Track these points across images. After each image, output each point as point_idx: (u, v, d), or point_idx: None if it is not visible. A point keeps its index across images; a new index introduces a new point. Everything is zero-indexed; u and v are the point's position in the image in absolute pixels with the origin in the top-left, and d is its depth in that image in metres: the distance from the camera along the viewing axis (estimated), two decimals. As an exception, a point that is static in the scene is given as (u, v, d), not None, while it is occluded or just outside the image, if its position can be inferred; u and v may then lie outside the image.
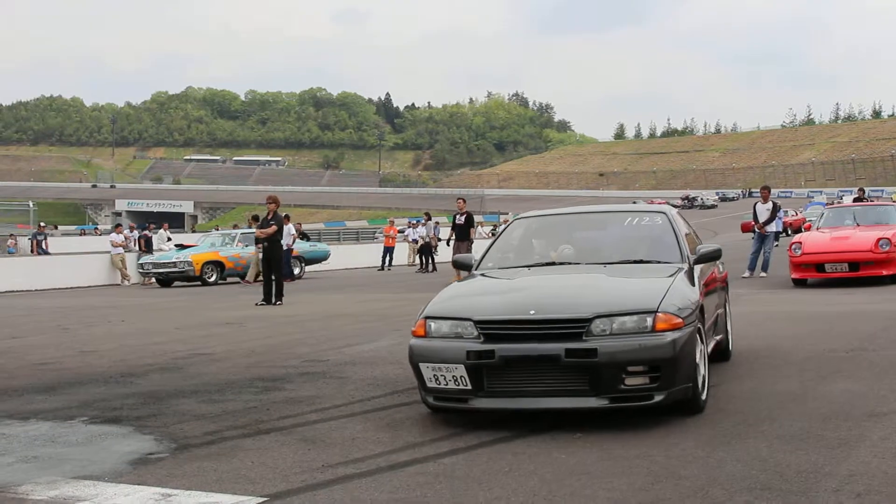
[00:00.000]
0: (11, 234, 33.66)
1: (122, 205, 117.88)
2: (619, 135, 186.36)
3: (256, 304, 14.90)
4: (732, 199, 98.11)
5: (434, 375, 5.39)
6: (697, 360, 5.59)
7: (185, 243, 27.84)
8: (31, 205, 42.12)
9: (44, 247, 30.78)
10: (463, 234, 21.15)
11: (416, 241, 32.07)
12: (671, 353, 5.23)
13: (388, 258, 31.15)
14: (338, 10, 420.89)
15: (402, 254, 33.27)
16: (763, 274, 17.13)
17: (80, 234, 54.10)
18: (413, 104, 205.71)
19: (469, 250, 20.09)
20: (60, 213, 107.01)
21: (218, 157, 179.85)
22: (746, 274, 17.16)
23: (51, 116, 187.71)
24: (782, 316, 11.25)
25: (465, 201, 22.91)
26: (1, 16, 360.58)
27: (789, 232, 32.32)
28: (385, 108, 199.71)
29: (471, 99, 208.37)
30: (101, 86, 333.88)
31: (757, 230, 17.81)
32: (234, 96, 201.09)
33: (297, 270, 23.46)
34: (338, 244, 37.70)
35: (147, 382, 7.44)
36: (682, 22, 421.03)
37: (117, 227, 29.13)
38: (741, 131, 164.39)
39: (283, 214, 16.38)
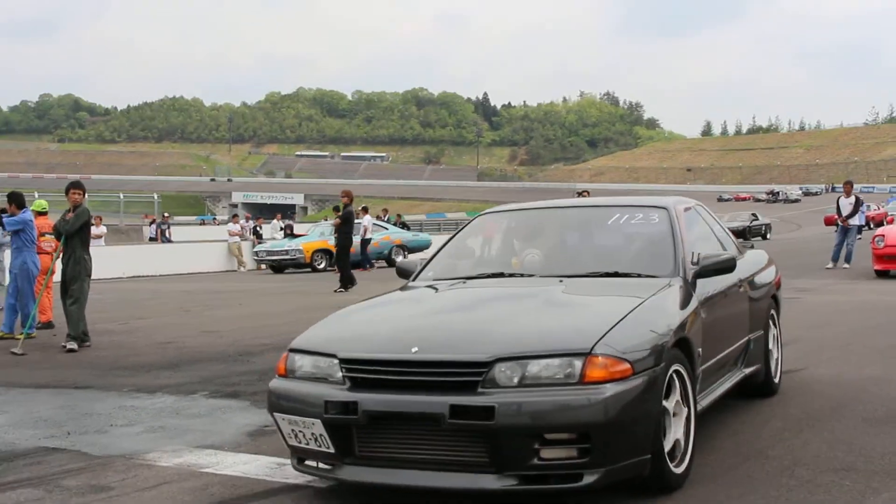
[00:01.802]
0: (154, 220, 34.43)
1: (238, 197, 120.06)
2: (706, 132, 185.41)
3: (335, 291, 14.96)
4: (815, 194, 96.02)
5: (293, 431, 3.98)
6: (669, 418, 4.05)
7: (296, 232, 28.64)
8: (156, 197, 43.08)
9: (167, 235, 31.50)
10: None
11: None
12: (606, 414, 3.63)
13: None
14: (439, 13, 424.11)
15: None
16: (846, 265, 16.98)
17: (200, 224, 55.84)
18: (509, 103, 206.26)
19: None
20: (182, 204, 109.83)
21: (327, 153, 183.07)
22: (830, 265, 17.19)
23: (173, 116, 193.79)
24: (866, 305, 11.17)
25: (588, 193, 21.78)
26: (127, 22, 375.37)
27: (871, 226, 31.42)
28: (483, 106, 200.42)
29: (564, 98, 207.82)
30: (218, 87, 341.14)
31: (840, 223, 17.65)
32: (341, 96, 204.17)
33: (399, 258, 23.18)
34: (438, 234, 38.16)
35: (262, 361, 7.59)
36: (768, 21, 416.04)
37: (234, 218, 30.19)
38: (824, 129, 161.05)
39: (362, 206, 16.59)
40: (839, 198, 18.09)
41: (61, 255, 10.36)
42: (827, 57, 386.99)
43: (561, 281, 4.77)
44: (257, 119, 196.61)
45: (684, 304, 4.49)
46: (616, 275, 4.82)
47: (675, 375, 4.09)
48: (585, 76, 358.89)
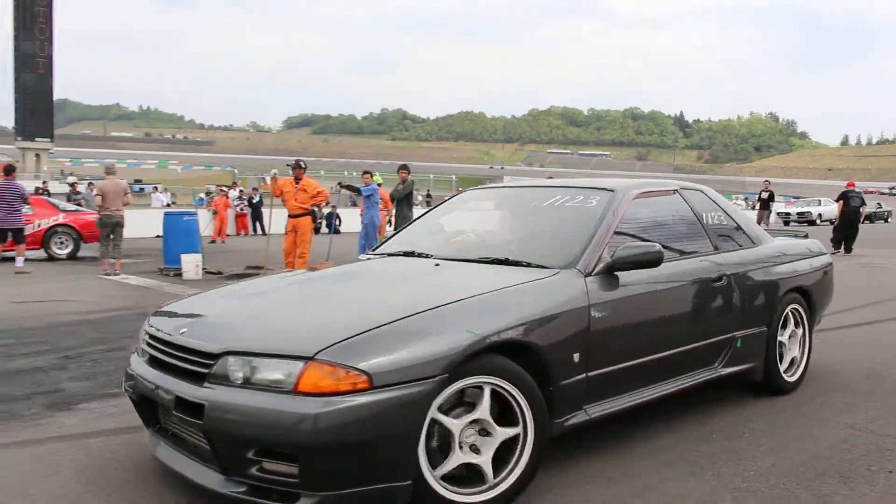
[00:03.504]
0: (452, 193, 52.33)
1: (507, 180, 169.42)
2: (844, 142, 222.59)
3: None
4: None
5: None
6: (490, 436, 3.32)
7: None
8: (454, 178, 51.74)
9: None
10: (765, 205, 23.85)
11: None
12: (313, 433, 2.86)
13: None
14: (651, 54, 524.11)
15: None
16: None
17: None
18: (699, 118, 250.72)
19: (766, 220, 22.72)
20: (469, 184, 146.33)
21: (568, 151, 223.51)
22: None
23: (466, 123, 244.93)
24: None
25: (769, 182, 23.65)
26: (439, 59, 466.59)
27: None
28: (679, 120, 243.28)
29: (738, 115, 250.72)
30: (496, 102, 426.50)
31: None
32: (580, 111, 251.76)
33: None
34: None
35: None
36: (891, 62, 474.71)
37: None
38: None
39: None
40: None
41: (393, 213, 13.94)
42: None
43: (437, 265, 4.23)
44: (522, 126, 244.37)
45: (551, 301, 3.67)
46: (505, 262, 4.13)
47: (496, 389, 3.34)
48: (755, 98, 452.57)
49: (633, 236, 4.41)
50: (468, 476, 3.33)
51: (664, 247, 4.27)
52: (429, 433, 3.20)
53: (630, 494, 3.70)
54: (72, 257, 17.38)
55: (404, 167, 14.60)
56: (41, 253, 17.00)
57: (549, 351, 3.58)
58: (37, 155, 41.85)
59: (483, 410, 3.33)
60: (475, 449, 3.35)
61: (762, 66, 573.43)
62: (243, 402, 3.02)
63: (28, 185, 25.52)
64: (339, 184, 14.91)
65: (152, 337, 3.66)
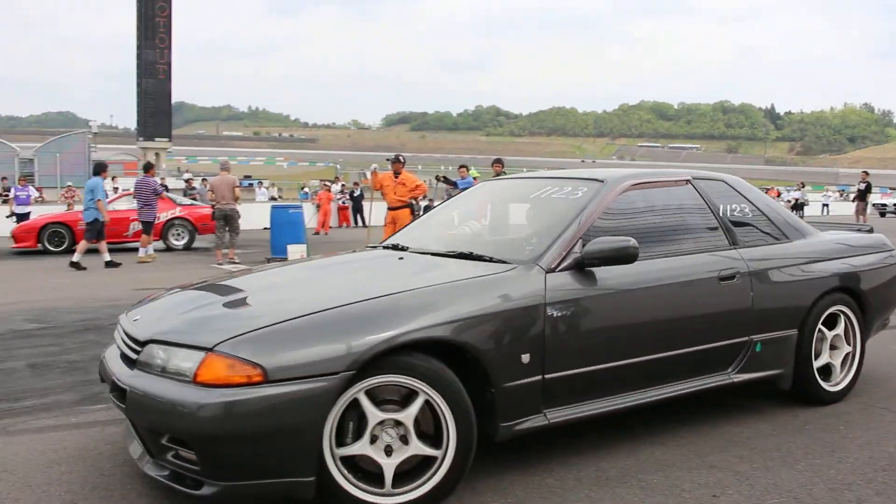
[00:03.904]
0: None
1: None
2: None
3: None
4: None
5: None
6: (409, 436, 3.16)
7: None
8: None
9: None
10: (862, 196, 23.47)
11: (788, 201, 35.39)
12: (202, 423, 2.86)
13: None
14: (743, 48, 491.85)
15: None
16: None
17: None
18: (790, 110, 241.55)
19: (864, 212, 22.55)
20: None
21: (659, 145, 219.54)
22: None
23: (558, 119, 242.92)
24: None
25: (868, 173, 22.57)
26: (528, 57, 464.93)
27: None
28: (770, 113, 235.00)
29: (831, 107, 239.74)
30: (587, 98, 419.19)
31: None
32: (669, 106, 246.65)
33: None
34: None
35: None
36: None
37: None
38: None
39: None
40: None
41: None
42: None
43: (401, 258, 4.15)
44: (612, 121, 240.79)
45: (495, 298, 3.46)
46: (469, 256, 3.96)
47: (414, 390, 3.17)
48: (848, 89, 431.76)
49: (624, 231, 4.01)
50: (378, 474, 3.21)
51: (662, 241, 4.17)
52: (341, 429, 3.13)
53: (719, 484, 3.61)
54: (187, 248, 18.01)
55: (498, 161, 14.69)
56: (160, 244, 17.63)
57: (487, 351, 3.37)
58: (156, 154, 43.43)
59: (408, 416, 3.20)
60: (389, 451, 3.21)
61: (856, 57, 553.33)
62: (153, 389, 3.05)
63: (126, 182, 26.45)
64: (437, 177, 15.10)
65: (121, 325, 3.72)
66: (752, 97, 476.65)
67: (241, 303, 3.62)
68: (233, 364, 2.94)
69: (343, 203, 30.57)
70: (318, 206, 27.02)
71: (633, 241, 3.76)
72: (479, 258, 3.92)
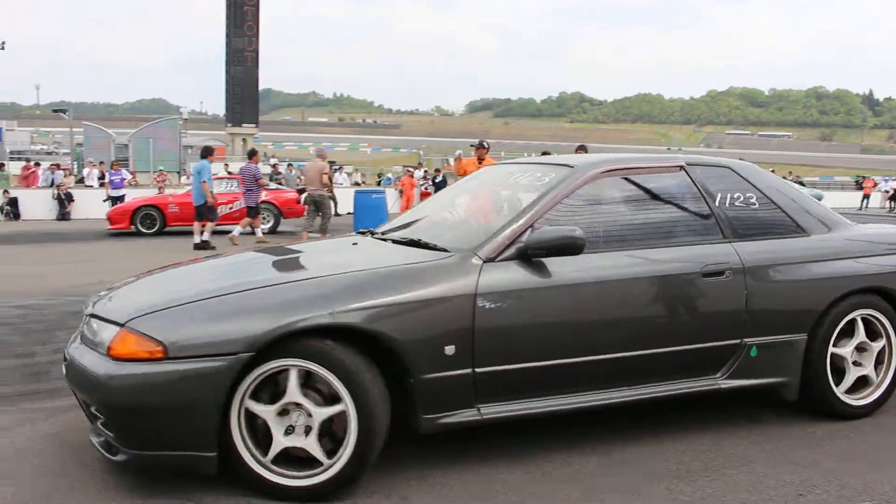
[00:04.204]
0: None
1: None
2: None
3: None
4: None
5: None
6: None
7: None
8: None
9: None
10: None
11: (886, 192, 34.48)
12: (108, 394, 3.07)
13: (864, 203, 33.47)
14: (838, 35, 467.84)
15: (875, 202, 34.48)
16: None
17: None
18: (890, 96, 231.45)
19: None
20: None
21: (748, 132, 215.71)
22: None
23: (643, 105, 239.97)
24: None
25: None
26: (604, 45, 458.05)
27: None
28: (868, 99, 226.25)
29: None
30: (673, 84, 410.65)
31: None
32: (760, 92, 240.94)
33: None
34: (826, 191, 35.58)
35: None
36: None
37: None
38: None
39: (770, 170, 24.02)
40: None
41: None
42: None
43: (355, 244, 4.21)
44: (700, 108, 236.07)
45: (418, 287, 3.38)
46: (416, 244, 3.89)
47: (299, 371, 3.20)
48: None
49: (590, 221, 3.85)
50: (309, 458, 3.26)
51: (635, 233, 3.94)
52: (251, 414, 3.23)
53: (807, 484, 3.50)
54: (272, 231, 18.36)
55: (582, 147, 14.50)
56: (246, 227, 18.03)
57: (404, 341, 3.30)
58: (243, 139, 44.36)
59: (291, 393, 3.22)
60: (289, 431, 3.26)
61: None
62: (82, 360, 3.28)
63: (234, 166, 27.09)
64: (519, 164, 14.92)
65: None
66: (849, 83, 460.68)
67: (176, 283, 3.75)
68: (139, 339, 3.10)
69: (426, 189, 30.74)
70: (401, 192, 27.26)
71: (578, 231, 3.59)
72: (426, 246, 3.83)
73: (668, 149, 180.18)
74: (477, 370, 3.45)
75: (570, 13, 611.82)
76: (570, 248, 3.57)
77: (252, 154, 15.97)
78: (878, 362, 4.40)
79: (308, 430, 3.25)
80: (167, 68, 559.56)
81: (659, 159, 4.34)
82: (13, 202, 24.21)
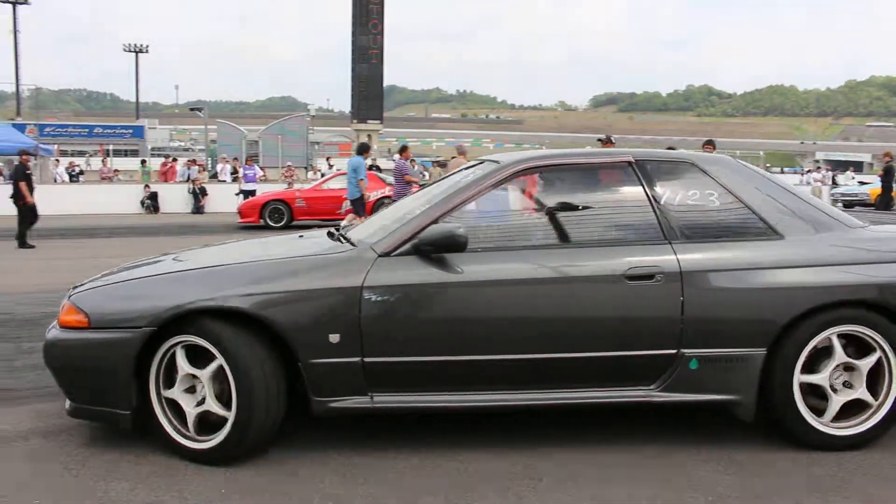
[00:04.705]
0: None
1: (819, 155, 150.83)
2: None
3: None
4: None
5: None
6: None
7: (864, 181, 31.75)
8: (761, 153, 49.32)
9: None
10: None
11: None
12: (49, 355, 3.77)
13: None
14: None
15: None
16: None
17: (793, 174, 56.35)
18: None
19: None
20: (777, 161, 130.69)
21: (891, 124, 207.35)
22: None
23: (775, 98, 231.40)
24: None
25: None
26: (744, 27, 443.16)
27: None
28: None
29: None
30: (808, 75, 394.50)
31: None
32: None
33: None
34: None
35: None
36: None
37: (817, 168, 38.91)
38: None
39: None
40: None
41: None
42: None
43: (301, 237, 4.60)
44: (836, 99, 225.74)
45: (308, 278, 3.62)
46: (335, 237, 4.18)
47: (193, 345, 3.61)
48: None
49: (503, 219, 3.96)
50: (217, 423, 3.71)
51: (551, 231, 3.85)
52: (171, 375, 3.72)
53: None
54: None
55: (709, 142, 14.13)
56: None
57: (290, 327, 3.55)
58: (368, 135, 45.21)
59: (203, 375, 3.65)
60: (202, 402, 3.71)
61: None
62: (48, 333, 3.88)
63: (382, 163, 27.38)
64: (645, 158, 14.62)
65: None
66: None
67: (136, 269, 4.20)
68: (73, 310, 3.72)
69: (546, 184, 30.39)
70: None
71: (460, 230, 3.58)
72: (340, 239, 4.07)
73: (801, 143, 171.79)
74: (366, 360, 3.59)
75: (699, 3, 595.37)
76: (452, 245, 3.58)
77: (402, 150, 15.73)
78: (875, 382, 3.82)
79: (203, 400, 3.67)
80: (296, 67, 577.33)
81: (603, 154, 4.14)
82: (153, 196, 25.58)
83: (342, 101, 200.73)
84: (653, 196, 3.88)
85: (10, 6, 56.41)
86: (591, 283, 3.68)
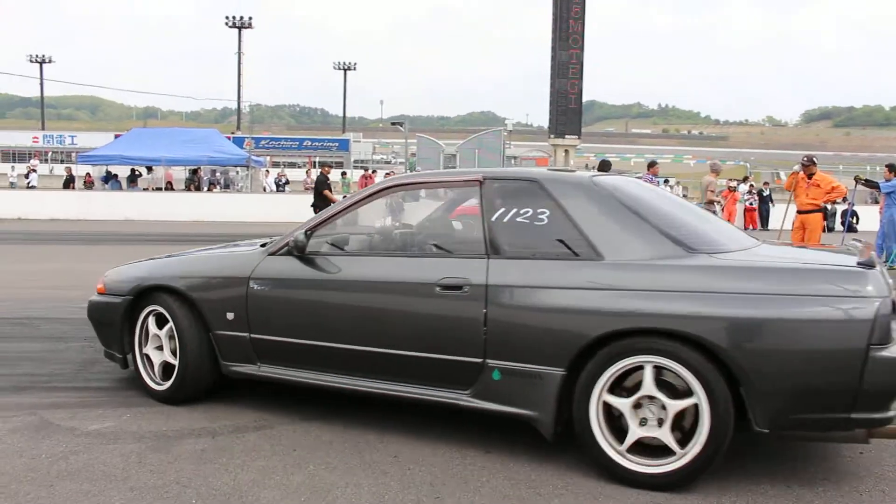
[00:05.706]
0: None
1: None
2: None
3: None
4: None
5: None
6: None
7: None
8: None
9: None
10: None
11: None
12: (89, 314, 5.28)
13: None
14: None
15: None
16: None
17: None
18: None
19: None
20: None
21: None
22: None
23: None
24: None
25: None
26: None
27: None
28: None
29: None
30: None
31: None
32: None
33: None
34: None
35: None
36: None
37: None
38: None
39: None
40: None
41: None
42: None
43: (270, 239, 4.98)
44: None
45: (219, 269, 4.68)
46: (269, 238, 5.06)
47: (159, 313, 4.84)
48: None
49: (361, 232, 4.66)
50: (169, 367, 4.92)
51: (395, 243, 4.53)
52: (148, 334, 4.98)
53: None
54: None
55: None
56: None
57: (201, 303, 4.63)
58: (566, 151, 45.01)
59: (161, 332, 4.87)
60: (160, 350, 4.94)
61: None
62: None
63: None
64: (857, 178, 13.73)
65: None
66: None
67: (168, 256, 5.32)
68: (98, 282, 5.20)
69: (751, 205, 29.03)
70: (723, 207, 25.93)
71: (300, 237, 4.36)
72: (272, 241, 4.72)
73: None
74: (252, 335, 4.50)
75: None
76: (295, 249, 4.40)
77: (651, 165, 15.04)
78: (682, 425, 3.57)
79: (162, 349, 4.91)
80: (498, 83, 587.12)
81: (459, 174, 4.39)
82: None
83: (541, 116, 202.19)
84: (485, 213, 4.07)
85: (236, 31, 60.88)
86: (411, 288, 4.04)
